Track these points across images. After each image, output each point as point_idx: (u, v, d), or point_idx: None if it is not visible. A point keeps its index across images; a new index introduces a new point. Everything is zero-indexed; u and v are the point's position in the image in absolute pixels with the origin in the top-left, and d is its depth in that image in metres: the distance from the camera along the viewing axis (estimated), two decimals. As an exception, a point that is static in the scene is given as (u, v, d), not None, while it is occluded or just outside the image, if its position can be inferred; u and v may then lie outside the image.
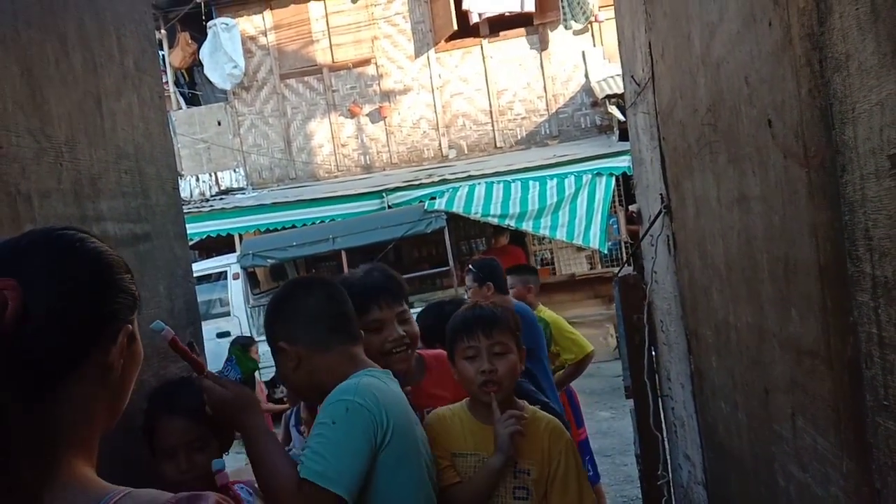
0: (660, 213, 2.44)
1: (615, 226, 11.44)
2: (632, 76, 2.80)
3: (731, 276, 1.80)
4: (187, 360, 1.74)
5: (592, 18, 11.70)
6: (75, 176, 2.21)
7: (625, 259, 10.52)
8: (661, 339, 2.87)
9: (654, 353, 3.00)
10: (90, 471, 0.98)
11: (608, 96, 10.67)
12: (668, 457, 2.97)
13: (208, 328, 9.00)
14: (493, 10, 11.63)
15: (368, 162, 12.53)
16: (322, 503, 1.53)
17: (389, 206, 10.37)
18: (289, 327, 1.77)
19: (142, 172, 2.78)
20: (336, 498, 1.53)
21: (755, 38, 1.45)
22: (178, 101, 13.58)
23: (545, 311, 4.14)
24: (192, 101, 14.03)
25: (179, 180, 12.78)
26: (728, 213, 1.75)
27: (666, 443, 2.97)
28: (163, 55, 13.51)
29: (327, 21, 12.47)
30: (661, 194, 2.44)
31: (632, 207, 10.26)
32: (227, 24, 12.26)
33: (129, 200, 2.64)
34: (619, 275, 3.10)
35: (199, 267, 10.66)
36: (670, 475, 2.94)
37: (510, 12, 11.65)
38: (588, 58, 11.93)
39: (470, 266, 4.09)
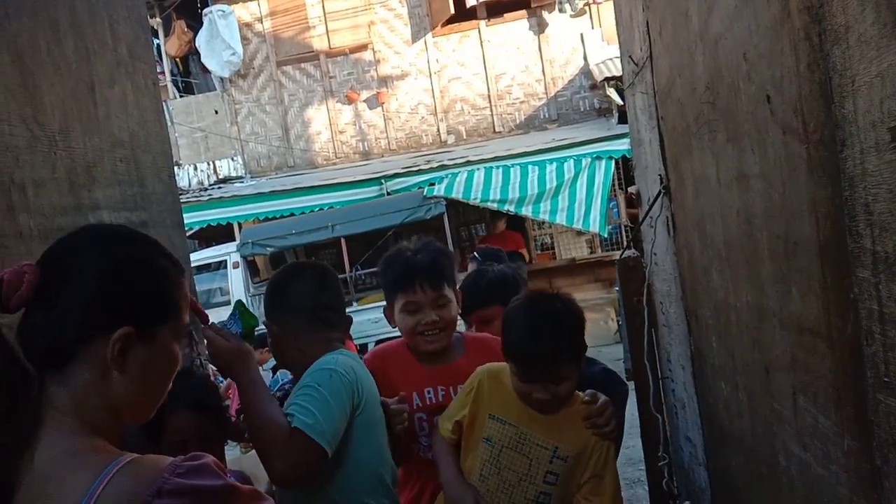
0: (659, 194, 2.43)
1: (615, 209, 11.41)
2: (630, 56, 2.77)
3: (730, 256, 1.79)
4: (194, 311, 1.77)
5: (590, 1, 11.61)
6: (70, 164, 2.19)
7: (626, 242, 10.52)
8: (662, 321, 2.87)
9: (654, 335, 2.99)
10: (106, 444, 1.06)
11: (607, 79, 10.61)
12: (670, 438, 2.97)
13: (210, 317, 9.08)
14: (490, -9, 11.55)
15: (367, 148, 12.49)
16: (308, 452, 1.67)
17: (388, 193, 10.35)
18: (275, 308, 1.97)
19: (137, 160, 2.76)
20: (321, 450, 1.68)
21: (753, 13, 1.43)
22: (174, 89, 13.51)
23: None
24: (189, 89, 13.97)
25: (177, 169, 12.76)
26: (727, 192, 1.73)
27: (667, 424, 2.97)
28: (158, 44, 13.43)
29: (323, 7, 12.39)
30: (659, 175, 2.42)
31: (631, 189, 10.23)
32: (223, 11, 12.18)
33: (125, 189, 2.63)
34: (621, 257, 3.09)
35: (199, 256, 10.66)
36: (671, 457, 2.95)
37: (507, -5, 11.58)
38: (586, 40, 11.85)
39: (475, 254, 4.11)
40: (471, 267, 4.20)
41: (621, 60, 3.07)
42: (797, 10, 1.23)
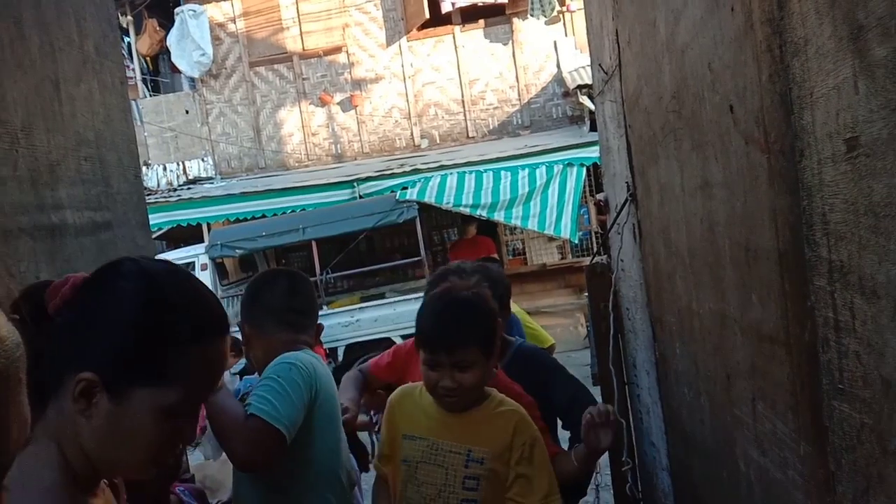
0: (626, 201, 2.45)
1: (586, 216, 11.51)
2: (599, 64, 2.80)
3: (693, 263, 1.81)
4: None
5: (564, 9, 11.71)
6: (32, 163, 2.15)
7: (596, 248, 10.61)
8: (628, 327, 2.89)
9: (621, 340, 3.02)
10: (67, 484, 0.99)
11: (579, 86, 10.70)
12: (635, 443, 3.00)
13: (176, 319, 8.97)
14: (465, -1, 11.60)
15: (339, 151, 12.44)
16: (265, 435, 1.74)
17: (361, 196, 10.31)
18: (248, 309, 2.10)
19: (102, 159, 2.72)
20: (277, 433, 1.74)
21: (718, 24, 1.45)
22: (144, 88, 13.34)
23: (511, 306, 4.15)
24: (159, 88, 13.79)
25: (146, 169, 12.60)
26: (691, 200, 1.76)
27: (632, 429, 3.00)
28: (129, 42, 13.26)
29: (297, 8, 12.33)
30: (627, 182, 2.45)
31: (599, 196, 10.36)
32: (194, 11, 12.05)
33: (90, 188, 2.59)
34: (589, 264, 3.12)
35: (167, 257, 10.51)
36: (636, 461, 2.97)
37: (482, 2, 11.62)
38: (560, 48, 11.95)
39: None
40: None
41: (591, 68, 3.10)
42: (760, 23, 1.25)
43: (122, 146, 2.96)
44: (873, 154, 0.92)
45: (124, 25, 13.24)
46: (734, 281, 1.53)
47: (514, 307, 4.19)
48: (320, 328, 2.17)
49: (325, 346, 7.76)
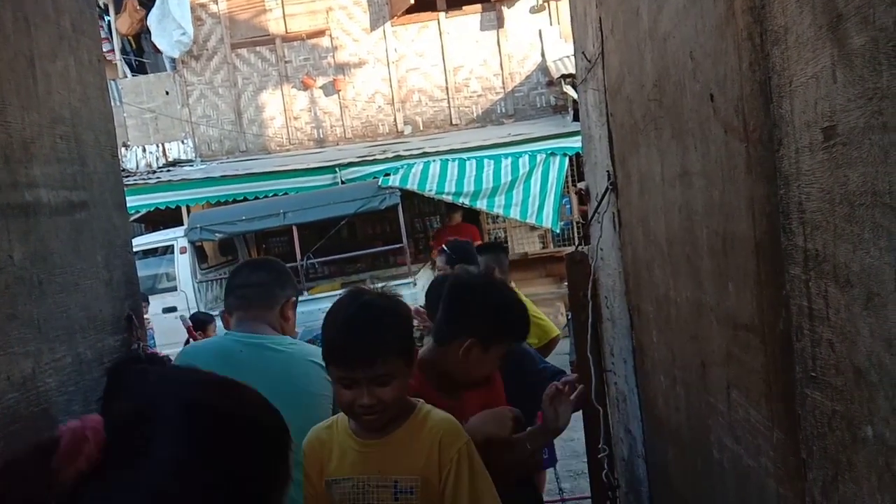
0: (606, 190, 2.46)
1: (568, 205, 11.54)
2: (583, 52, 2.80)
3: (672, 252, 1.82)
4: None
5: (547, -4, 11.70)
6: (6, 140, 2.11)
7: (578, 237, 10.65)
8: (606, 316, 2.90)
9: (599, 329, 3.03)
10: None
11: (563, 76, 10.70)
12: (612, 431, 3.02)
13: (155, 303, 8.90)
14: (450, -15, 11.53)
15: (322, 136, 12.36)
16: None
17: (342, 182, 10.26)
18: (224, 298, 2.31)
19: (78, 138, 2.67)
20: None
21: (700, 12, 1.45)
22: (124, 69, 13.14)
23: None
24: (140, 69, 13.60)
25: (125, 151, 12.43)
26: (671, 189, 1.76)
27: (609, 417, 3.02)
28: (109, 21, 13.05)
29: (281, -10, 12.20)
30: (607, 171, 2.45)
31: (580, 185, 10.38)
32: (175, -10, 11.88)
33: (65, 167, 2.54)
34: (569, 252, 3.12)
35: (146, 240, 10.41)
36: (612, 449, 2.99)
37: (468, -12, 11.57)
38: (544, 37, 11.93)
39: (443, 247, 4.13)
40: (439, 260, 4.21)
41: (574, 56, 3.10)
42: (741, 11, 1.25)
43: (99, 125, 2.91)
44: (850, 143, 0.92)
45: (104, 4, 13.03)
46: (711, 270, 1.54)
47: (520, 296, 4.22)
48: (292, 302, 2.28)
49: (306, 330, 7.73)
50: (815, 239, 1.04)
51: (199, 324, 7.09)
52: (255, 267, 2.41)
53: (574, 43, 3.06)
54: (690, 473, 1.91)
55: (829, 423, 1.07)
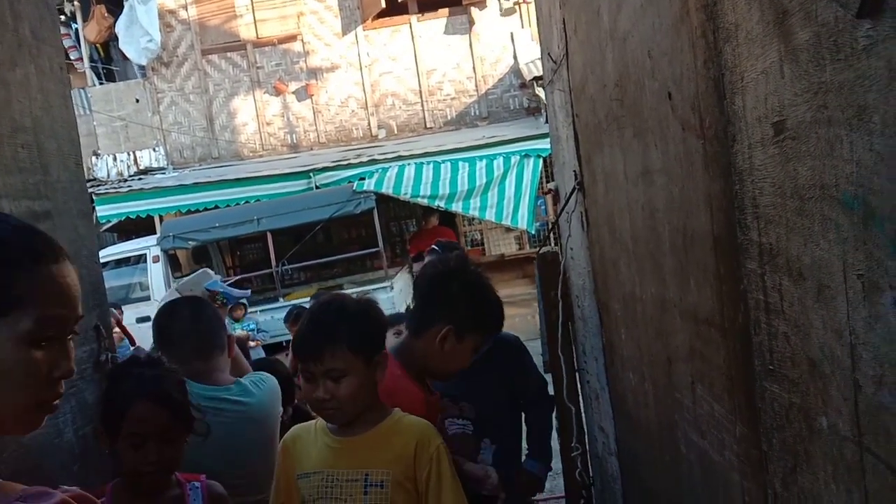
0: (574, 189, 2.47)
1: (543, 206, 11.60)
2: (548, 53, 2.81)
3: (636, 250, 1.83)
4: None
5: (521, 0, 11.75)
6: (-37, 149, 2.07)
7: (547, 236, 10.70)
8: (578, 314, 2.92)
9: (571, 328, 3.04)
10: None
11: (536, 78, 10.75)
12: (586, 429, 3.03)
13: (128, 313, 8.78)
14: (421, -12, 11.54)
15: (295, 141, 12.30)
16: None
17: (317, 187, 10.21)
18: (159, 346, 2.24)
19: (41, 147, 2.62)
20: None
21: (657, 11, 1.46)
22: (93, 76, 12.98)
23: None
24: (110, 77, 13.43)
25: (96, 159, 12.27)
26: (634, 188, 1.77)
27: (583, 415, 3.03)
28: (76, 28, 12.89)
29: (251, -5, 12.13)
30: (574, 171, 2.46)
31: (549, 185, 10.48)
32: (143, -3, 11.76)
33: (27, 176, 2.50)
34: (540, 252, 3.13)
35: (118, 250, 10.28)
36: (586, 447, 3.01)
37: (439, -9, 11.59)
38: (516, 39, 11.98)
39: (434, 246, 4.15)
40: (428, 258, 4.24)
41: (541, 57, 3.11)
42: (695, 9, 1.26)
43: (62, 133, 2.87)
44: (798, 137, 0.93)
45: (71, 12, 12.86)
46: (673, 266, 1.55)
47: None
48: (232, 340, 2.27)
49: (283, 339, 7.69)
50: (769, 233, 1.05)
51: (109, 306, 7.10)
52: (195, 309, 2.27)
53: (540, 44, 3.08)
54: (660, 469, 1.92)
55: (787, 416, 1.08)
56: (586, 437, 3.03)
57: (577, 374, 3.01)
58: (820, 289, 0.93)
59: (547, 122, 10.80)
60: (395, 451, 1.69)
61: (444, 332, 1.93)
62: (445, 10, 12.06)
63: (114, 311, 7.93)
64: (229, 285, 8.84)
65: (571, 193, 2.50)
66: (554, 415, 2.80)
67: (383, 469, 1.67)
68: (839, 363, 0.91)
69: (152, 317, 8.42)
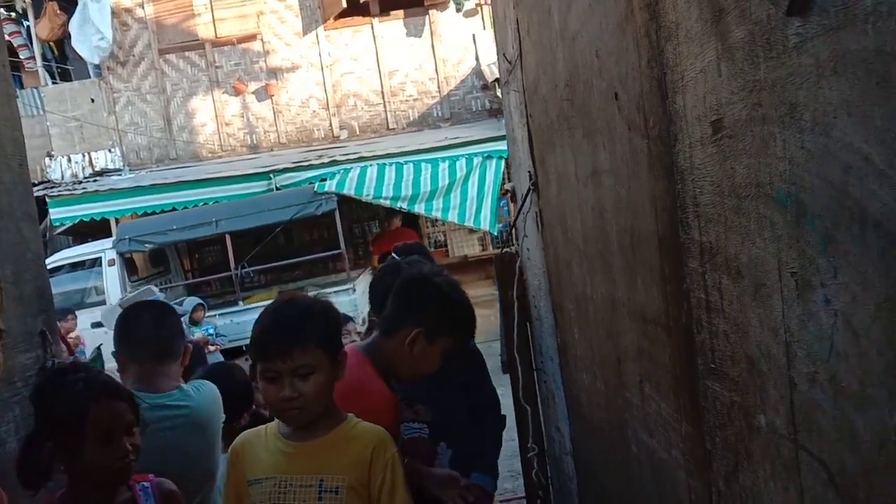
0: (529, 190, 2.47)
1: (505, 208, 11.63)
2: (504, 54, 2.81)
3: (587, 250, 1.83)
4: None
5: (482, 2, 11.77)
6: None
7: (506, 238, 10.74)
8: (535, 315, 2.92)
9: (530, 328, 3.04)
10: None
11: (497, 80, 10.77)
12: (543, 429, 3.03)
13: (83, 318, 8.57)
14: (382, -11, 11.49)
15: (255, 142, 12.14)
16: None
17: (277, 188, 10.09)
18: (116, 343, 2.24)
19: (-19, 148, 2.54)
20: None
21: (604, 11, 1.46)
22: (46, 75, 12.65)
23: None
24: (64, 76, 13.11)
25: (49, 161, 11.95)
26: (584, 188, 1.77)
27: (541, 416, 3.03)
28: (28, 26, 12.56)
29: (209, -6, 11.95)
30: (529, 172, 2.46)
31: (507, 186, 10.53)
32: (97, -7, 11.49)
33: (-33, 177, 2.41)
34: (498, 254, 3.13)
35: (72, 253, 10.02)
36: (545, 447, 3.01)
37: (401, -8, 11.55)
38: (478, 41, 12.00)
39: (393, 254, 4.12)
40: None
41: (497, 59, 3.11)
42: (639, 8, 1.26)
43: (5, 133, 2.78)
44: (735, 135, 0.93)
45: (22, 9, 12.53)
46: (622, 266, 1.55)
47: None
48: (188, 350, 2.29)
49: (243, 343, 7.58)
50: (709, 232, 1.05)
51: (59, 313, 7.17)
52: (160, 313, 2.29)
53: (497, 45, 3.08)
54: (612, 468, 1.93)
55: (729, 414, 1.09)
56: (544, 437, 3.04)
57: (535, 375, 3.02)
58: (757, 287, 0.93)
59: (508, 123, 10.83)
60: (351, 456, 1.67)
61: (414, 334, 1.92)
62: (407, 11, 12.03)
63: (69, 317, 7.76)
64: (189, 295, 8.73)
65: (527, 194, 2.50)
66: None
67: (339, 475, 1.65)
68: (775, 361, 0.91)
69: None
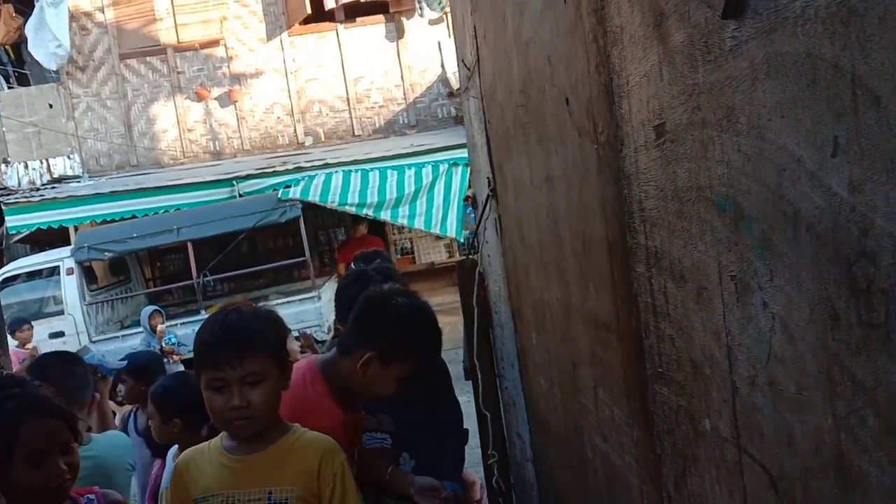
0: (488, 196, 2.46)
1: (472, 215, 11.64)
2: (462, 60, 2.80)
3: (543, 255, 1.83)
4: None
5: (447, 9, 11.80)
6: None
7: (472, 245, 10.76)
8: (496, 321, 2.91)
9: (492, 334, 3.03)
10: None
11: (463, 86, 10.81)
12: (506, 435, 3.02)
13: (40, 328, 8.37)
14: (348, -5, 11.46)
15: (218, 148, 11.99)
16: None
17: (240, 195, 9.95)
18: None
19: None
20: None
21: (554, 16, 1.46)
22: (1, 80, 12.35)
23: None
24: (22, 81, 12.82)
25: (5, 167, 11.66)
26: (539, 194, 1.77)
27: (503, 422, 3.02)
28: (-18, 29, 12.26)
29: (171, -1, 11.79)
30: (487, 178, 2.46)
31: (468, 192, 10.54)
32: (53, -1, 11.26)
33: None
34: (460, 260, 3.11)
35: (29, 262, 9.77)
36: (508, 453, 3.00)
37: (365, -1, 11.53)
38: (444, 48, 12.02)
39: (352, 264, 4.09)
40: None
41: (457, 65, 3.11)
42: (587, 13, 1.26)
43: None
44: (677, 140, 0.94)
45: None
46: (575, 271, 1.55)
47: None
48: (94, 401, 2.47)
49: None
50: (654, 236, 1.05)
51: (15, 324, 7.07)
52: (67, 363, 2.43)
53: (456, 51, 3.07)
54: (570, 473, 1.92)
55: (676, 419, 1.09)
56: (507, 443, 3.03)
57: (498, 381, 3.01)
58: (699, 291, 0.93)
59: (474, 130, 10.86)
60: (299, 466, 1.64)
61: (367, 358, 1.87)
62: (372, 18, 12.00)
63: (24, 327, 7.55)
64: (150, 304, 8.55)
65: (486, 201, 2.49)
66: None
67: (287, 486, 1.62)
68: (718, 365, 0.91)
69: (66, 332, 8.00)
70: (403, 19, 12.00)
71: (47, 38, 11.17)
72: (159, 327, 7.51)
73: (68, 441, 1.65)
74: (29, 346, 7.33)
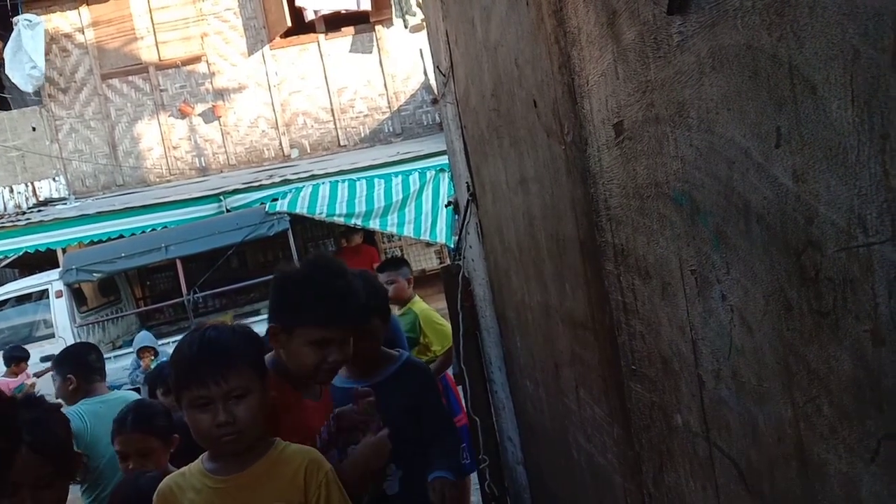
0: (468, 201, 2.46)
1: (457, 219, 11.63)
2: (438, 67, 2.81)
3: (522, 258, 1.83)
4: None
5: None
6: None
7: (455, 251, 10.75)
8: (483, 325, 2.91)
9: (480, 339, 3.03)
10: None
11: (446, 93, 10.82)
12: (498, 439, 3.01)
13: (32, 352, 8.27)
14: (327, 7, 11.46)
15: (204, 164, 11.96)
16: None
17: (228, 210, 9.92)
18: None
19: None
20: None
21: (519, 19, 1.47)
22: (-19, 104, 12.30)
23: (417, 303, 4.25)
24: (4, 105, 12.76)
25: (-10, 192, 11.59)
26: (515, 196, 1.77)
27: (495, 426, 3.01)
28: (-39, 53, 12.20)
29: (151, 17, 11.76)
30: (467, 183, 2.46)
31: (449, 198, 10.53)
32: (30, 22, 11.19)
33: None
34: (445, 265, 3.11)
35: (18, 286, 9.70)
36: (500, 457, 2.99)
37: (346, 10, 11.53)
38: (425, 55, 12.04)
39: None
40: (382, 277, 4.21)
41: (434, 72, 3.11)
42: (547, 15, 1.27)
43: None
44: (634, 137, 0.94)
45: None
46: (552, 272, 1.55)
47: (421, 307, 4.25)
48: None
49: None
50: (620, 234, 1.06)
51: (13, 359, 6.97)
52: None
53: (432, 58, 3.08)
54: (559, 474, 1.92)
55: (651, 415, 1.09)
56: (499, 447, 3.02)
57: (488, 385, 3.00)
58: (664, 286, 0.93)
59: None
60: (285, 479, 1.63)
61: (271, 330, 1.86)
62: (353, 29, 12.02)
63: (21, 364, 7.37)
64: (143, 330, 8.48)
65: (467, 205, 2.50)
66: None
67: (276, 502, 1.61)
68: (685, 360, 0.91)
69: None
70: (384, 28, 12.02)
71: (24, 61, 11.12)
72: (151, 365, 7.15)
73: (42, 476, 1.61)
74: (28, 382, 7.20)
